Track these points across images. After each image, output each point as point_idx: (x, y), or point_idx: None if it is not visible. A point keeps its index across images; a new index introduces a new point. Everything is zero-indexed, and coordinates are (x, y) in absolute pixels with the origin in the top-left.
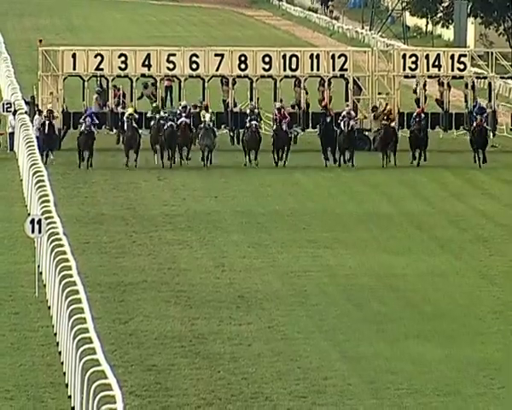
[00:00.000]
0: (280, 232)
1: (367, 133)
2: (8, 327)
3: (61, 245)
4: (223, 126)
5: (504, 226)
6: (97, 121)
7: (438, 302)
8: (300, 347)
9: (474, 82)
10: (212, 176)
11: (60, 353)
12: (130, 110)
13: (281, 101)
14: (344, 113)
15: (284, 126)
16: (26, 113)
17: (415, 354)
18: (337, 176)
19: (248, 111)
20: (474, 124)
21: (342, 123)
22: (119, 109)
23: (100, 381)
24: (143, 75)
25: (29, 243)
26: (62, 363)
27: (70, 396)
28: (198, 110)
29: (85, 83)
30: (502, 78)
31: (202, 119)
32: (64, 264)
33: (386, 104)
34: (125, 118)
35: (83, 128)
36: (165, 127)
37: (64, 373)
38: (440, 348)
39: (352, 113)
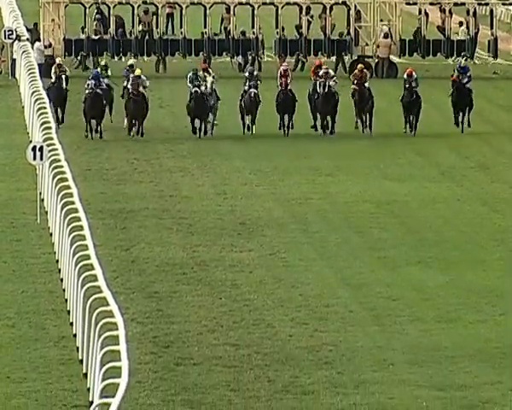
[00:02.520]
0: (281, 159)
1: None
2: (9, 254)
3: (63, 172)
4: (224, 54)
5: (506, 154)
6: (103, 84)
7: (439, 229)
8: (302, 274)
9: (475, 8)
10: None
11: (61, 280)
12: (137, 72)
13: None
14: (321, 72)
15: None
16: (27, 40)
17: (416, 281)
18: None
19: (247, 74)
20: (454, 77)
21: (318, 85)
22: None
23: (101, 308)
24: (145, 2)
25: (31, 170)
26: (64, 290)
27: (72, 323)
28: None
29: (87, 10)
30: (503, 4)
31: (203, 82)
32: (66, 191)
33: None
34: (130, 84)
35: (87, 92)
36: (192, 93)
37: (66, 300)
38: (442, 275)
39: (331, 72)
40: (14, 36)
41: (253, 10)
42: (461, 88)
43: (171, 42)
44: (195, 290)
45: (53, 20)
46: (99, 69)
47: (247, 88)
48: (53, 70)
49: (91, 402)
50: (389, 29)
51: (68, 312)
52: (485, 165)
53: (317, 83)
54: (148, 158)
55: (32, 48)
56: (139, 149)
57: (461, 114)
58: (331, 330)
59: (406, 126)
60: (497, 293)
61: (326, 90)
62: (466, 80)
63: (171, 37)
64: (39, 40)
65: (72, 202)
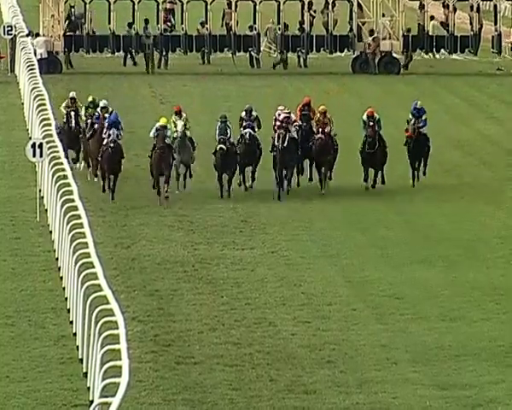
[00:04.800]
0: None
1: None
2: (9, 252)
3: (63, 169)
4: (225, 50)
5: (509, 151)
6: (121, 132)
7: (443, 227)
8: (304, 272)
9: (479, 4)
10: (213, 100)
11: (61, 278)
12: (162, 121)
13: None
14: (280, 118)
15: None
16: (27, 35)
17: (420, 279)
18: (340, 102)
19: (243, 113)
20: (409, 133)
21: (277, 136)
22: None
23: (102, 306)
24: None
25: (30, 167)
26: (64, 288)
27: (71, 322)
28: None
29: (87, 5)
30: (507, 0)
31: (174, 127)
32: (65, 188)
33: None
34: (152, 133)
35: (105, 142)
36: (217, 150)
37: (66, 298)
38: (445, 273)
39: (292, 116)
40: (13, 32)
41: (254, 6)
42: (417, 135)
43: (172, 38)
44: (196, 289)
45: (53, 15)
46: (83, 110)
47: (242, 131)
48: (64, 104)
49: (91, 401)
50: (383, 24)
51: (68, 310)
52: (489, 162)
53: (277, 135)
54: (148, 155)
55: (33, 44)
56: (140, 146)
57: (416, 164)
58: (334, 328)
59: (368, 180)
60: (501, 291)
61: (284, 145)
62: (421, 124)
63: (172, 33)
64: (37, 35)
65: (72, 200)
